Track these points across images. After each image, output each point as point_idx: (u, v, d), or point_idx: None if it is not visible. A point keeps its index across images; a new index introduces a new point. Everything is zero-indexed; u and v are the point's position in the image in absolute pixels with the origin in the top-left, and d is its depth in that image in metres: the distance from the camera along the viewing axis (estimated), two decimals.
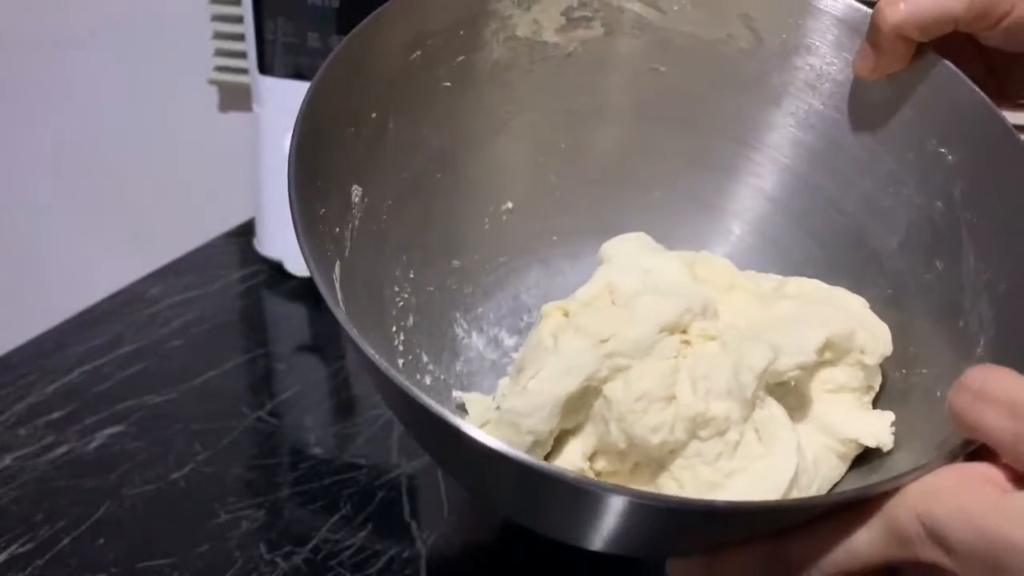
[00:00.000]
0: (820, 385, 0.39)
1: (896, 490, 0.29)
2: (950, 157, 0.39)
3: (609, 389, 0.36)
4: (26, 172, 1.14)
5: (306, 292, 0.76)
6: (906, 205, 0.41)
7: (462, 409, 0.43)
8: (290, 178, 0.36)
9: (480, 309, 0.47)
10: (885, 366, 0.41)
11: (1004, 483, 0.27)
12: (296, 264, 0.77)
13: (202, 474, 0.55)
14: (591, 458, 0.38)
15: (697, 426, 0.35)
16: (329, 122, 0.40)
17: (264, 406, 0.62)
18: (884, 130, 0.41)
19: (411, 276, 0.45)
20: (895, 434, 0.38)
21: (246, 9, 0.74)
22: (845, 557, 0.30)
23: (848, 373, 0.39)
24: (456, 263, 0.47)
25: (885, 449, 0.38)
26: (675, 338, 0.37)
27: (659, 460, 0.36)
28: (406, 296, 0.44)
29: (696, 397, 0.35)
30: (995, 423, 0.28)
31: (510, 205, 0.48)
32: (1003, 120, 0.37)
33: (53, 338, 0.69)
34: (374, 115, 0.42)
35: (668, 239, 0.47)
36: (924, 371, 0.39)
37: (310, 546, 0.50)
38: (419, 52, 0.43)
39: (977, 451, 0.29)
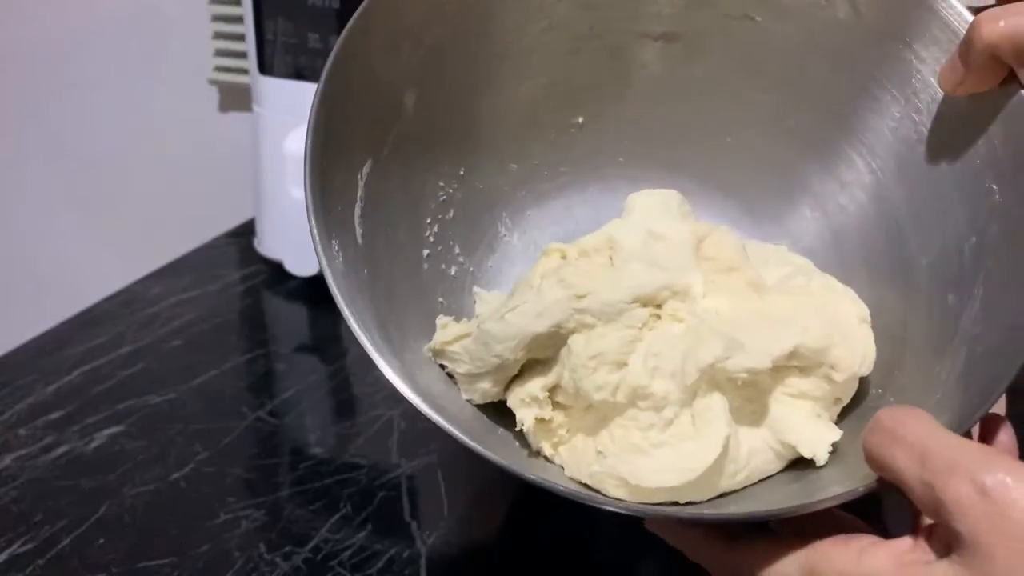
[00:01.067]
0: (783, 388, 0.40)
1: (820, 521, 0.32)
2: (998, 197, 0.38)
3: (573, 340, 0.39)
4: (26, 172, 1.14)
5: (306, 292, 0.76)
6: (947, 228, 0.40)
7: (474, 303, 0.45)
8: (320, 88, 0.37)
9: (529, 212, 0.48)
10: (867, 381, 0.41)
11: (928, 556, 0.28)
12: (296, 264, 0.77)
13: (202, 474, 0.55)
14: (552, 390, 0.40)
15: (637, 396, 0.38)
16: (386, 30, 0.40)
17: (264, 406, 0.62)
18: (954, 147, 0.40)
19: (460, 173, 0.46)
20: (840, 451, 0.38)
21: (246, 9, 0.74)
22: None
23: (814, 383, 0.40)
24: (513, 166, 0.48)
25: (818, 463, 0.38)
26: (646, 311, 0.39)
27: (604, 413, 0.39)
28: (451, 191, 0.46)
29: (643, 370, 0.38)
30: (906, 469, 0.28)
31: (580, 120, 0.48)
32: None
33: (53, 338, 0.69)
34: (440, 27, 0.42)
35: (728, 187, 0.48)
36: (891, 399, 0.40)
37: (310, 546, 0.50)
38: None
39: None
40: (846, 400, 0.41)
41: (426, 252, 0.44)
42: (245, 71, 0.98)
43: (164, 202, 1.10)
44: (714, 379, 0.38)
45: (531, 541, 0.50)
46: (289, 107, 0.75)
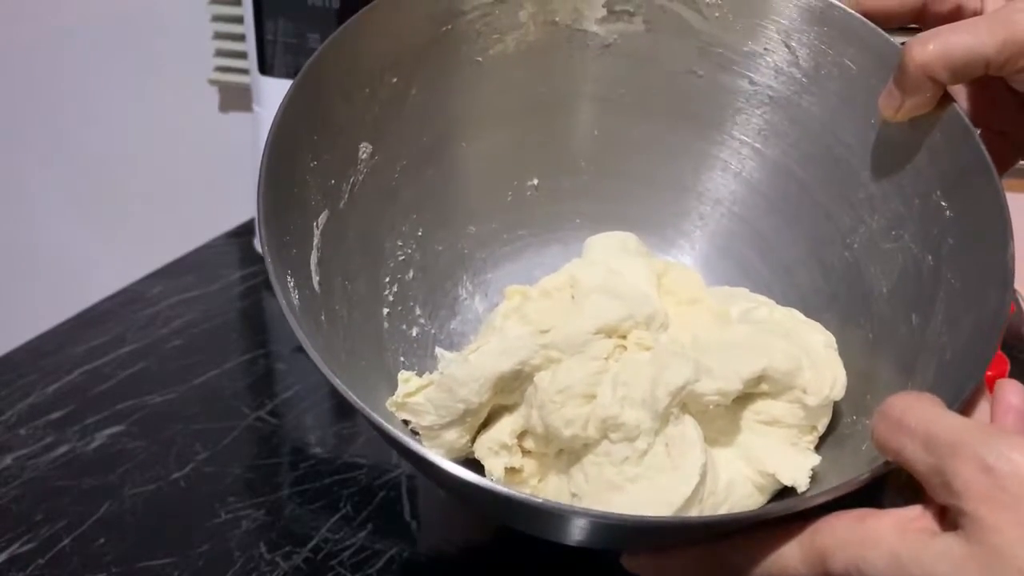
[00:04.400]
0: (753, 415, 0.40)
1: (827, 507, 0.30)
2: (948, 212, 0.38)
3: (539, 377, 0.38)
4: (26, 172, 1.14)
5: None
6: (903, 252, 0.41)
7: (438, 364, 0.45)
8: (273, 128, 0.37)
9: (489, 275, 0.48)
10: (840, 408, 0.41)
11: (934, 527, 0.28)
12: None
13: (202, 474, 0.55)
14: (520, 437, 0.39)
15: (608, 428, 0.37)
16: (339, 77, 0.40)
17: (264, 406, 0.62)
18: (899, 172, 0.41)
19: (419, 234, 0.46)
20: (820, 478, 0.38)
21: (246, 9, 0.74)
22: (771, 566, 0.32)
23: (786, 409, 0.39)
24: (472, 229, 0.48)
25: (799, 490, 0.38)
26: (611, 341, 0.39)
27: (576, 451, 0.38)
28: (409, 252, 0.45)
29: (613, 400, 0.37)
30: (912, 455, 0.29)
31: (536, 182, 0.49)
32: (999, 188, 0.37)
33: (53, 338, 0.69)
34: (395, 80, 0.42)
35: (690, 239, 0.48)
36: (867, 421, 0.39)
37: (310, 546, 0.50)
38: (450, 26, 0.43)
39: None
40: (821, 429, 0.40)
41: (386, 311, 0.44)
42: (245, 71, 0.98)
43: (164, 202, 1.10)
44: (686, 406, 0.38)
45: (531, 541, 0.50)
46: None
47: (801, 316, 0.43)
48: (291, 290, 0.35)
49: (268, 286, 0.79)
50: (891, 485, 0.32)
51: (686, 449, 0.36)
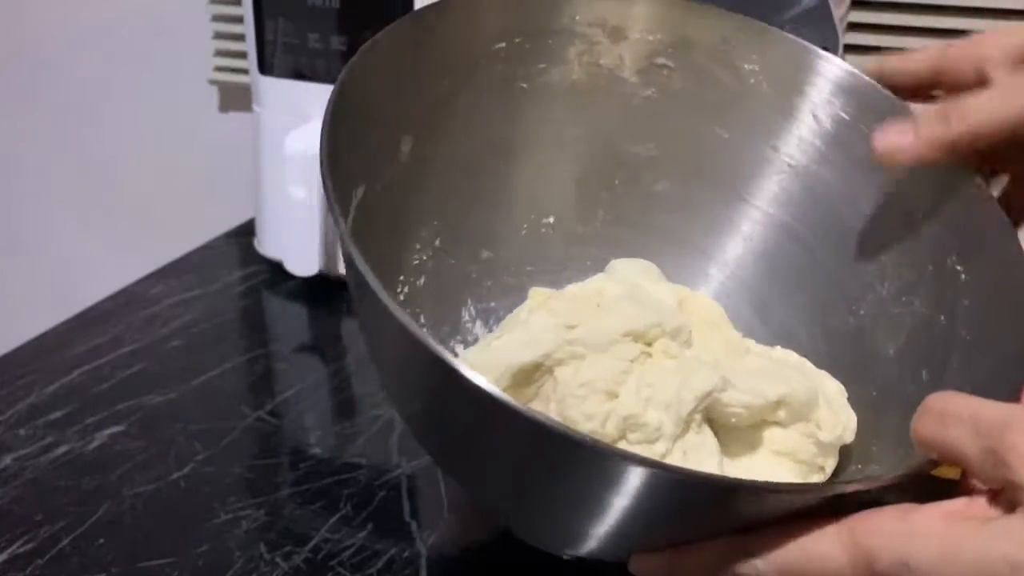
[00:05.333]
0: (768, 443, 0.40)
1: (867, 495, 0.29)
2: (964, 276, 0.38)
3: (560, 371, 0.38)
4: (26, 172, 1.14)
5: (306, 292, 0.76)
6: (912, 315, 0.41)
7: None
8: (339, 85, 0.36)
9: (493, 304, 0.48)
10: (845, 457, 0.41)
11: (986, 513, 0.28)
12: (296, 264, 0.77)
13: (202, 474, 0.55)
14: None
15: (628, 427, 0.36)
16: (394, 71, 0.40)
17: (264, 406, 0.62)
18: (911, 240, 0.41)
19: (437, 243, 0.46)
20: None
21: (246, 9, 0.74)
22: (806, 562, 0.29)
23: (798, 441, 0.39)
24: (486, 254, 0.48)
25: None
26: (637, 346, 0.39)
27: None
28: (425, 258, 0.45)
29: (636, 400, 0.36)
30: (962, 442, 0.28)
31: (551, 220, 0.49)
32: (1015, 244, 0.37)
33: (53, 338, 0.69)
34: (446, 82, 0.43)
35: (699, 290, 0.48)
36: (876, 467, 0.39)
37: (310, 546, 0.50)
38: (504, 44, 0.44)
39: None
40: (828, 471, 0.40)
41: None
42: (245, 71, 0.98)
43: (164, 202, 1.10)
44: (707, 417, 0.37)
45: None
46: (289, 107, 0.75)
47: (812, 366, 0.43)
48: (342, 222, 0.34)
49: (268, 286, 0.79)
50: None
51: (703, 458, 0.36)
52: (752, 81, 0.45)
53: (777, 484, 0.34)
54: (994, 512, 0.27)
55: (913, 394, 0.39)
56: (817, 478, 0.40)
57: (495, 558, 0.50)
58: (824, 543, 0.29)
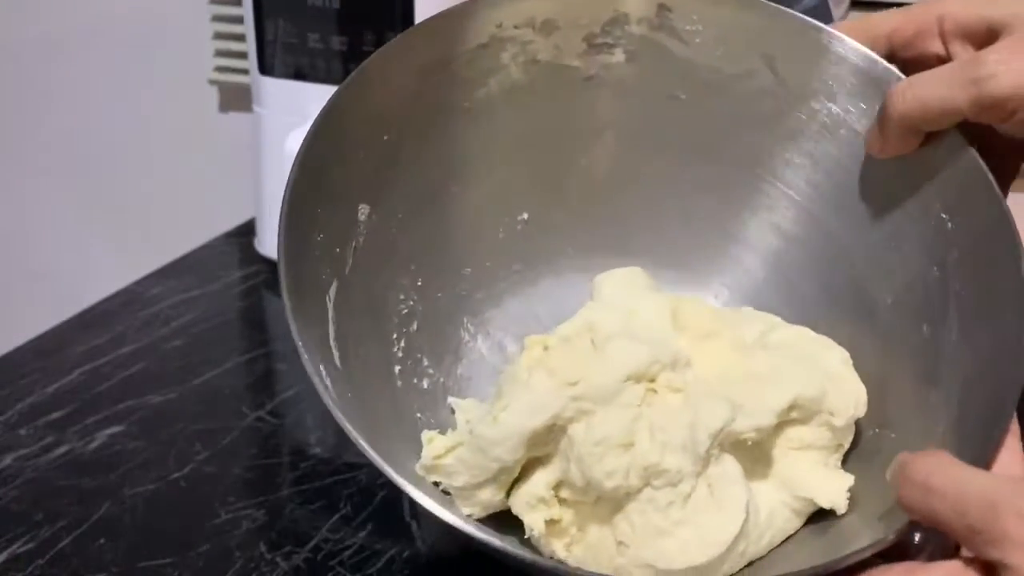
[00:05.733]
0: (785, 442, 0.40)
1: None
2: (950, 225, 0.39)
3: (573, 430, 0.38)
4: (26, 172, 1.14)
5: None
6: (905, 264, 0.41)
7: (452, 414, 0.44)
8: (283, 218, 0.38)
9: (488, 314, 0.48)
10: (860, 423, 0.41)
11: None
12: None
13: (202, 474, 0.55)
14: (556, 487, 0.39)
15: (651, 475, 0.37)
16: (335, 151, 0.41)
17: (264, 406, 0.62)
18: (896, 187, 0.41)
19: (418, 284, 0.46)
20: (854, 496, 0.38)
21: (246, 9, 0.74)
22: None
23: (815, 433, 0.40)
24: (467, 271, 0.48)
25: (839, 512, 0.38)
26: (641, 386, 0.39)
27: (616, 500, 0.37)
28: (411, 303, 0.45)
29: (652, 447, 0.36)
30: (947, 518, 0.29)
31: (525, 216, 0.49)
32: (1000, 202, 0.37)
33: (53, 338, 0.69)
34: (386, 137, 0.43)
35: (680, 262, 0.48)
36: (893, 435, 0.40)
37: (310, 546, 0.50)
38: (436, 76, 0.44)
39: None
40: (847, 445, 0.41)
41: (397, 368, 0.44)
42: (245, 71, 0.98)
43: (164, 202, 1.10)
44: (723, 444, 0.38)
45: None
46: (289, 107, 0.75)
47: (811, 334, 0.43)
48: (324, 379, 0.36)
49: (268, 286, 0.79)
50: None
51: (729, 487, 0.37)
52: (698, 40, 0.45)
53: None
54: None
55: (917, 347, 0.40)
56: (837, 457, 0.40)
57: (495, 558, 0.50)
58: None
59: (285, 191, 0.38)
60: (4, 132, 1.13)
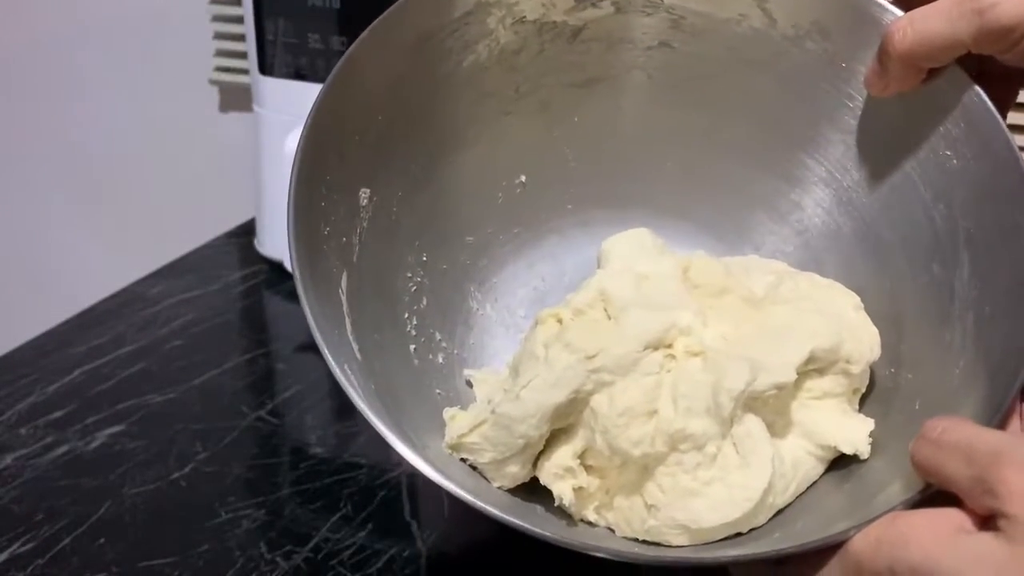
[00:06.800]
0: (804, 393, 0.40)
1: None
2: (955, 161, 0.39)
3: (595, 402, 0.38)
4: (26, 172, 1.14)
5: None
6: (912, 201, 0.41)
7: (470, 387, 0.45)
8: (291, 220, 0.38)
9: (495, 280, 0.49)
10: (875, 365, 0.41)
11: (969, 526, 0.29)
12: None
13: (202, 474, 0.55)
14: (582, 456, 0.39)
15: (676, 441, 0.37)
16: (332, 143, 0.41)
17: (264, 406, 0.62)
18: (899, 123, 0.41)
19: (423, 259, 0.46)
20: (875, 439, 0.39)
21: (246, 9, 0.74)
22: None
23: (833, 381, 0.40)
24: (470, 239, 0.48)
25: (862, 457, 0.38)
26: (659, 353, 0.39)
27: (643, 464, 0.38)
28: (419, 280, 0.46)
29: (676, 414, 0.37)
30: (955, 470, 0.29)
31: (523, 179, 0.49)
32: (1008, 137, 0.37)
33: (53, 338, 0.69)
34: (380, 118, 0.43)
35: (678, 209, 0.48)
36: (910, 376, 0.40)
37: (310, 545, 0.50)
38: (423, 50, 0.43)
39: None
40: (863, 388, 0.41)
41: (412, 347, 0.44)
42: (245, 71, 0.98)
43: (164, 202, 1.10)
44: (745, 403, 0.38)
45: (531, 541, 0.50)
46: (289, 107, 0.75)
47: (821, 280, 0.43)
48: (349, 376, 0.36)
49: (268, 286, 0.79)
50: None
51: (754, 444, 0.37)
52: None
53: (743, 556, 0.36)
54: (979, 528, 0.28)
55: (928, 285, 0.40)
56: (854, 402, 0.41)
57: (495, 558, 0.50)
58: (829, 567, 0.32)
59: (288, 197, 0.38)
60: (4, 132, 1.13)
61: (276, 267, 0.80)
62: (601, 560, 0.35)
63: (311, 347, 0.72)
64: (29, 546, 0.49)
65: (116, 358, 0.67)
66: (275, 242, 0.80)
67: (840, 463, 0.40)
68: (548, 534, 0.34)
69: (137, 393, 0.63)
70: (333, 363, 0.35)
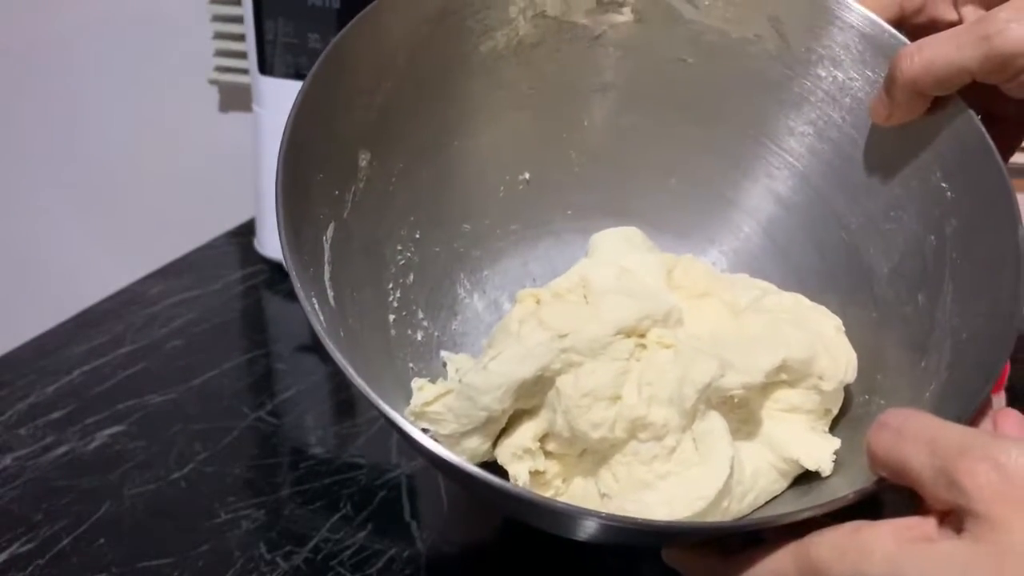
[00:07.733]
0: (773, 404, 0.40)
1: (815, 522, 0.30)
2: (949, 193, 0.39)
3: (561, 381, 0.38)
4: (26, 172, 1.14)
5: None
6: (903, 232, 0.41)
7: (445, 368, 0.45)
8: (283, 147, 0.37)
9: (486, 272, 0.48)
10: (851, 390, 0.41)
11: (933, 533, 0.28)
12: None
13: (202, 474, 0.55)
14: (542, 440, 0.39)
15: (636, 428, 0.37)
16: (340, 88, 0.40)
17: (264, 406, 0.62)
18: (894, 155, 0.41)
19: (416, 236, 0.46)
20: (840, 460, 0.38)
21: (246, 9, 0.74)
22: None
23: (803, 396, 0.40)
24: (466, 226, 0.48)
25: (824, 474, 0.38)
26: (631, 341, 0.39)
27: (602, 452, 0.38)
28: (409, 255, 0.46)
29: (639, 401, 0.37)
30: (916, 461, 0.28)
31: (527, 176, 0.49)
32: (1001, 169, 0.37)
33: (53, 338, 0.69)
34: (390, 84, 0.43)
35: (678, 227, 0.48)
36: (882, 402, 0.40)
37: (310, 546, 0.50)
38: (443, 26, 0.43)
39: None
40: (835, 410, 0.41)
41: (392, 317, 0.44)
42: (245, 71, 0.98)
43: (164, 202, 1.10)
44: (710, 400, 0.38)
45: (531, 541, 0.50)
46: (289, 107, 0.75)
47: (807, 301, 0.43)
48: (317, 312, 0.35)
49: (268, 286, 0.79)
50: None
51: (714, 443, 0.37)
52: (707, 3, 0.45)
53: (709, 525, 0.36)
54: (942, 534, 0.28)
55: (912, 316, 0.40)
56: (824, 423, 0.40)
57: (495, 558, 0.50)
58: (778, 561, 0.31)
59: (285, 126, 0.38)
60: (4, 132, 1.13)
61: (276, 267, 0.80)
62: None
63: (311, 348, 0.73)
64: (29, 546, 0.49)
65: (116, 358, 0.67)
66: (275, 242, 0.80)
67: (803, 481, 0.40)
68: (535, 497, 0.33)
69: (137, 393, 0.63)
70: (300, 288, 0.34)
